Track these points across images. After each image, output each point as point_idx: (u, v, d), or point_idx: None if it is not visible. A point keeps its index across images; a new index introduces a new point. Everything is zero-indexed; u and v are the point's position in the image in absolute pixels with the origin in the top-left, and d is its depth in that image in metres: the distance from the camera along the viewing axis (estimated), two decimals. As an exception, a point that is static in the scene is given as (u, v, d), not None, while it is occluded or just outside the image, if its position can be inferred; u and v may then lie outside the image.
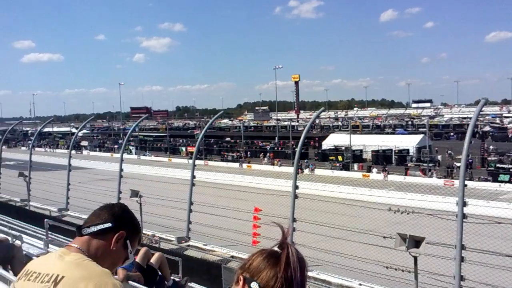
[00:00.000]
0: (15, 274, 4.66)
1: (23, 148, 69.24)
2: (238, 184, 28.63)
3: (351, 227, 13.67)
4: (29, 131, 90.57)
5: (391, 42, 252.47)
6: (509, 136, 57.14)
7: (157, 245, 13.04)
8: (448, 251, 9.23)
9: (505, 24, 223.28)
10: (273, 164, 46.44)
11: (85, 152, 66.75)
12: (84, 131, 76.30)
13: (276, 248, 1.37)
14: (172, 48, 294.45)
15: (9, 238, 6.59)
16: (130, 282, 5.37)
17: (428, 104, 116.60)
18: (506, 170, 32.70)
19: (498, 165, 34.57)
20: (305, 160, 42.85)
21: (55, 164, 37.25)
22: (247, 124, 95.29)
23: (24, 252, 6.19)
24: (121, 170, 16.56)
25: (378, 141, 47.44)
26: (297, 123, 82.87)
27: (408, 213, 9.90)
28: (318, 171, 40.49)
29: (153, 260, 6.36)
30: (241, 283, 1.35)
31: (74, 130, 71.11)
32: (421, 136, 47.83)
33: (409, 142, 46.09)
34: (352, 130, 55.83)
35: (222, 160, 52.15)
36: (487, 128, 60.26)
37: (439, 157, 42.15)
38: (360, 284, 10.34)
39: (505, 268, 9.56)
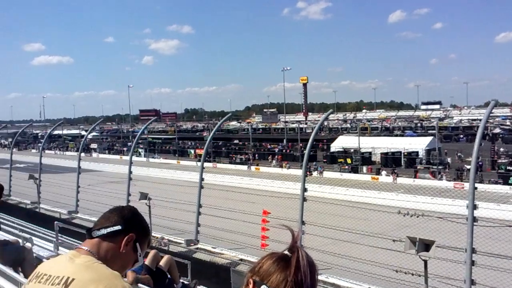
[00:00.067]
0: (26, 277, 4.68)
1: (33, 150, 69.72)
2: (246, 186, 28.62)
3: (360, 230, 13.63)
4: (39, 134, 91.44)
5: (399, 43, 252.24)
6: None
7: (166, 248, 13.08)
8: (458, 255, 9.16)
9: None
10: (281, 166, 46.41)
11: (94, 154, 67.10)
12: (94, 133, 76.74)
13: (286, 252, 1.36)
14: (181, 50, 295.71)
15: (20, 241, 6.62)
16: (140, 284, 5.38)
17: (437, 106, 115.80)
18: (517, 173, 32.45)
19: (508, 167, 34.28)
20: (314, 163, 42.80)
21: (65, 167, 37.56)
22: (255, 126, 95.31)
23: (34, 255, 6.22)
24: (130, 172, 16.62)
25: (387, 143, 47.25)
26: (305, 125, 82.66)
27: (417, 216, 9.83)
28: (327, 174, 40.42)
29: (162, 262, 6.37)
30: (251, 286, 1.34)
31: (83, 132, 71.63)
32: (430, 138, 47.56)
33: (419, 144, 45.89)
34: (361, 132, 55.66)
35: (230, 163, 52.22)
36: (497, 130, 59.65)
37: (449, 160, 41.91)
38: (369, 288, 10.29)
39: (517, 272, 9.47)
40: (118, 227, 1.82)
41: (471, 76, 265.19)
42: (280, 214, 12.24)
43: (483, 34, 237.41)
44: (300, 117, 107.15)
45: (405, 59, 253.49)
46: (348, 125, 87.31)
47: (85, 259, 1.71)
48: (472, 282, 8.37)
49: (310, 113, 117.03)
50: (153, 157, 60.42)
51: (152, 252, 6.24)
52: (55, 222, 10.09)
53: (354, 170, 41.90)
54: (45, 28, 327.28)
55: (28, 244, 6.68)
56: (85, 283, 1.60)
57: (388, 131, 75.64)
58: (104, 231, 1.81)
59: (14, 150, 26.58)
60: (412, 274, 9.12)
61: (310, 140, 12.40)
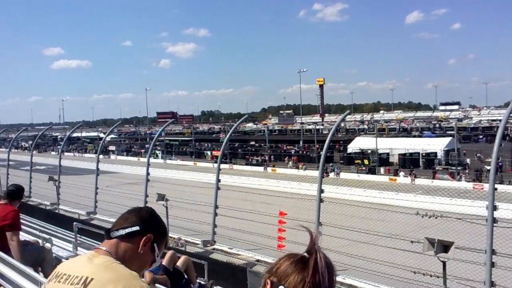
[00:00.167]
0: (46, 276, 4.75)
1: (53, 153, 70.64)
2: (262, 188, 28.57)
3: (378, 231, 13.50)
4: (59, 136, 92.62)
5: (417, 44, 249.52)
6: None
7: (183, 248, 13.13)
8: (477, 256, 9.02)
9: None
10: (297, 167, 46.27)
11: (112, 156, 67.72)
12: (112, 136, 77.45)
13: (304, 253, 1.36)
14: (197, 53, 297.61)
15: (40, 241, 6.71)
16: (157, 285, 5.41)
17: (456, 107, 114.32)
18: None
19: (529, 168, 33.70)
20: (330, 164, 42.60)
21: (83, 169, 37.91)
22: (272, 128, 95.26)
23: (54, 255, 6.30)
24: (148, 174, 16.72)
25: (405, 144, 46.77)
26: (322, 127, 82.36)
27: (436, 217, 9.71)
28: (344, 175, 40.20)
29: (179, 263, 6.40)
30: (268, 287, 1.34)
31: (102, 135, 72.38)
32: (449, 139, 46.97)
33: (437, 145, 45.32)
34: (378, 133, 55.20)
35: (246, 164, 52.26)
36: (517, 131, 58.70)
37: (468, 160, 41.31)
38: (387, 289, 10.20)
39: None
40: (136, 228, 1.83)
41: (491, 76, 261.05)
42: (296, 215, 12.20)
43: (503, 33, 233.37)
44: (317, 118, 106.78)
45: (423, 60, 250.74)
46: (365, 126, 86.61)
47: (103, 259, 1.73)
48: (492, 284, 8.24)
49: (326, 114, 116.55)
50: (170, 159, 60.79)
51: (169, 253, 6.28)
52: (74, 223, 10.22)
53: (372, 171, 41.60)
54: (64, 32, 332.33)
55: (47, 245, 6.78)
56: (103, 283, 1.61)
57: (406, 132, 74.88)
58: (122, 232, 1.83)
59: (34, 152, 26.98)
60: (431, 276, 9.00)
61: (327, 141, 12.33)
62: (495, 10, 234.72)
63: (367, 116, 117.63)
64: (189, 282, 6.48)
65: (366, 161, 44.17)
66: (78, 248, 8.92)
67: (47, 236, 7.58)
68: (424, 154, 42.84)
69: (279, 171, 46.25)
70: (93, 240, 10.81)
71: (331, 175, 39.00)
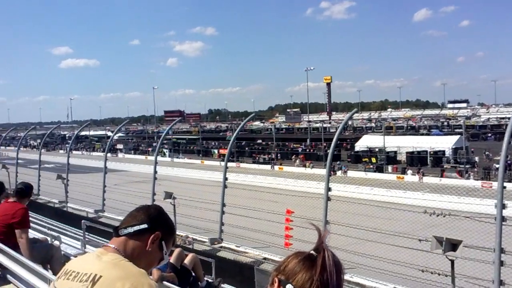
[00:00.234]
0: (54, 274, 4.78)
1: (61, 151, 71.03)
2: (269, 186, 28.57)
3: (385, 229, 13.46)
4: (67, 135, 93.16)
5: (425, 41, 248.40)
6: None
7: (190, 246, 13.15)
8: (486, 255, 8.96)
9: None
10: (305, 166, 46.19)
11: (120, 155, 68.00)
12: (120, 134, 77.75)
13: (312, 251, 1.36)
14: (204, 52, 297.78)
15: (48, 239, 6.77)
16: (165, 282, 5.43)
17: (464, 105, 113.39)
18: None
19: (539, 166, 33.34)
20: (338, 162, 42.47)
21: (91, 167, 38.17)
22: (279, 126, 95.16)
23: (62, 252, 6.35)
24: (155, 172, 16.77)
25: (412, 142, 46.52)
26: (329, 125, 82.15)
27: (444, 216, 9.66)
28: (351, 173, 40.09)
29: (186, 261, 6.42)
30: (276, 284, 1.34)
31: (109, 133, 72.83)
32: (457, 137, 46.65)
33: (445, 143, 45.07)
34: (386, 131, 54.97)
35: (254, 162, 52.26)
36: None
37: (476, 159, 41.03)
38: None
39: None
40: (144, 226, 1.84)
41: (500, 74, 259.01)
42: (303, 214, 12.19)
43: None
44: (324, 116, 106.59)
45: (431, 57, 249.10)
46: (373, 124, 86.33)
47: (112, 257, 1.74)
48: (501, 283, 8.19)
49: (334, 113, 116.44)
50: (177, 157, 60.89)
51: (177, 251, 6.30)
52: (82, 221, 10.24)
53: (379, 169, 41.42)
54: (72, 31, 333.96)
55: (56, 242, 6.83)
56: (112, 280, 1.62)
57: (413, 130, 74.54)
58: (130, 230, 1.84)
59: (43, 151, 27.09)
60: (439, 274, 8.96)
61: (334, 139, 12.30)
62: (503, 7, 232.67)
63: (374, 114, 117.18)
64: (197, 280, 6.50)
65: (373, 159, 44.01)
66: (87, 246, 8.96)
67: (56, 234, 7.64)
68: (432, 152, 42.59)
69: (286, 169, 46.18)
70: (101, 238, 10.85)
71: (339, 173, 38.93)
